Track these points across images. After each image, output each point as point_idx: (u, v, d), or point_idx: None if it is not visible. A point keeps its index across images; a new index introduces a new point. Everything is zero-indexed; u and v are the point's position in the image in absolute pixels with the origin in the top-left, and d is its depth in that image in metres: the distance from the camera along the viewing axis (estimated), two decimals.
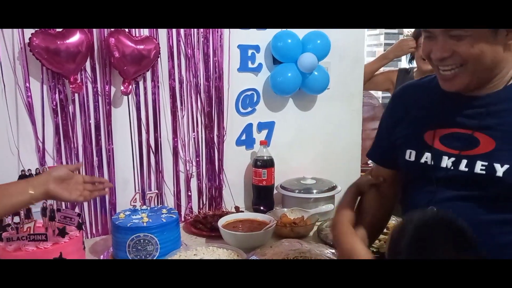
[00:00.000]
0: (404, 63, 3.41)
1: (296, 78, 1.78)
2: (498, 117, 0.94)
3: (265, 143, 1.78)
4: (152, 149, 1.62)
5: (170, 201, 1.69)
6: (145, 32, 1.52)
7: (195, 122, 1.69)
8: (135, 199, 1.40)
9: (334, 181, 1.84)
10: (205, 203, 1.77)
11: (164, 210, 1.41)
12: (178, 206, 1.71)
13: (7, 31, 1.32)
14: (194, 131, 1.70)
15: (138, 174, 1.60)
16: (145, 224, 1.31)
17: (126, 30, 1.46)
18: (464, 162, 0.96)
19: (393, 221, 1.36)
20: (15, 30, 1.32)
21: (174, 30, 1.58)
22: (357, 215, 1.12)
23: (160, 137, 1.63)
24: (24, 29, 1.33)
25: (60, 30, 1.35)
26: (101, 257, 1.39)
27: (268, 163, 1.76)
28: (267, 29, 1.77)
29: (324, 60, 1.85)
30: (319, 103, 1.98)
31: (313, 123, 1.99)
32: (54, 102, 1.41)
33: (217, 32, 1.67)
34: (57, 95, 1.41)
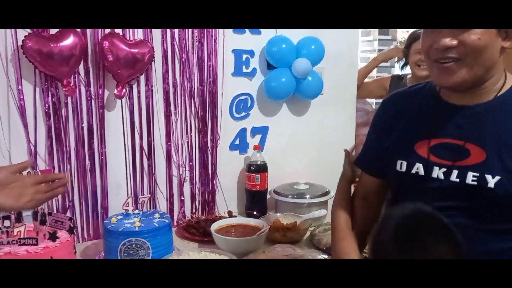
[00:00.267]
0: (397, 70, 3.43)
1: (290, 83, 1.79)
2: (489, 128, 0.95)
3: (259, 147, 1.78)
4: (145, 153, 1.61)
5: (162, 205, 1.69)
6: (139, 35, 1.52)
7: (188, 126, 1.69)
8: (128, 203, 1.39)
9: (327, 186, 1.83)
10: (198, 208, 1.77)
11: (156, 215, 1.41)
12: (171, 210, 1.70)
13: None
14: (187, 135, 1.69)
15: (131, 178, 1.59)
16: (137, 228, 1.30)
17: (120, 33, 1.46)
18: (456, 172, 0.96)
19: None
20: (8, 32, 1.32)
21: (168, 34, 1.58)
22: None
23: (154, 141, 1.62)
24: (17, 31, 1.32)
25: (53, 32, 1.34)
26: None
27: (261, 168, 1.76)
28: (262, 34, 1.78)
29: (318, 66, 1.86)
30: (312, 108, 1.99)
31: (307, 128, 1.99)
32: (47, 105, 1.41)
33: (212, 36, 1.67)
34: (49, 98, 1.40)
